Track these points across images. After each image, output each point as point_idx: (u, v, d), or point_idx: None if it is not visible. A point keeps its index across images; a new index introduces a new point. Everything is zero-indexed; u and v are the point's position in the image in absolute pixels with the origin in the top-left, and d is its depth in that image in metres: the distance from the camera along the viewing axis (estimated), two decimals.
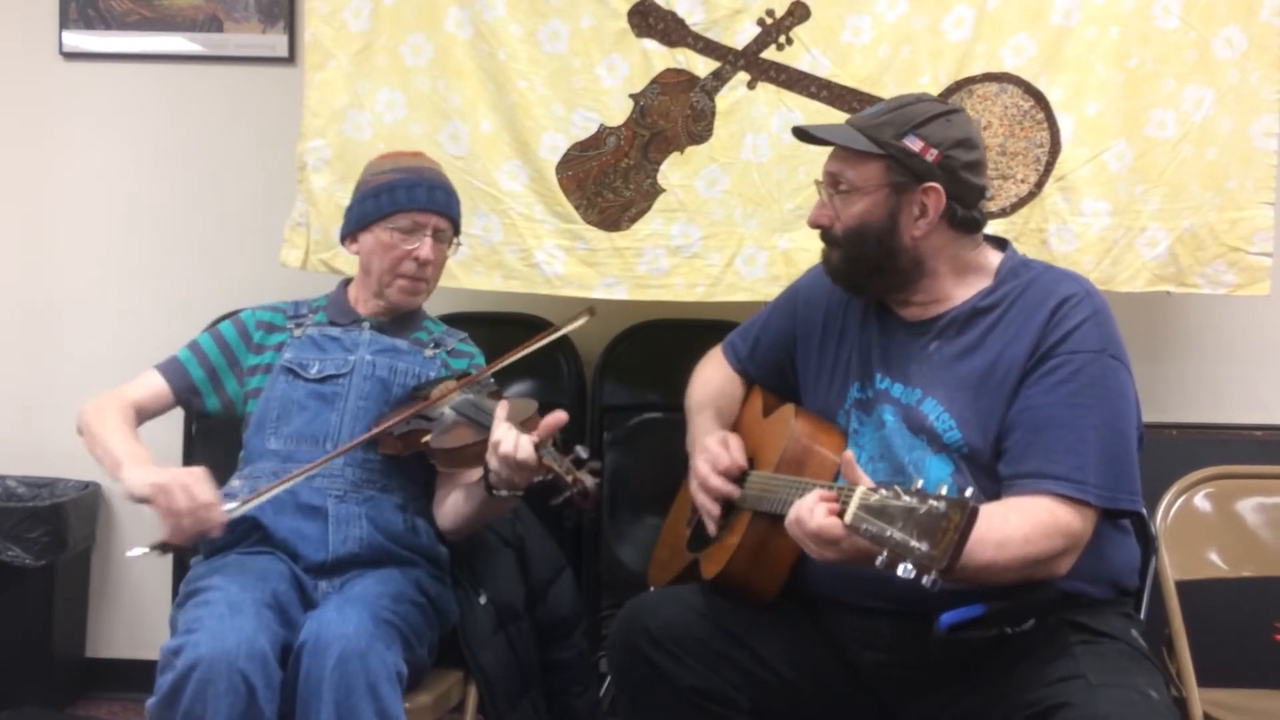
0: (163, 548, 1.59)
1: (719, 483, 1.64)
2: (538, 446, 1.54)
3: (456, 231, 1.94)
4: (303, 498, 1.75)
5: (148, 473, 1.62)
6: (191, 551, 1.79)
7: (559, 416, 1.58)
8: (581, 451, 1.55)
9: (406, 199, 1.85)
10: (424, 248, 1.85)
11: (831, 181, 1.58)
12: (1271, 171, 2.18)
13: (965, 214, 1.54)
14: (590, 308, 1.84)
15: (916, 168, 1.51)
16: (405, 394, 1.86)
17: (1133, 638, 1.47)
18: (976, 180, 1.55)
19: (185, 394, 1.87)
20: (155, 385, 1.86)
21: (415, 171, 1.89)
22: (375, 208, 1.87)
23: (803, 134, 1.62)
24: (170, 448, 2.33)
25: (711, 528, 1.65)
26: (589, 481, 1.52)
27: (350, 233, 1.92)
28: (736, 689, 1.57)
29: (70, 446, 2.63)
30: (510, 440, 1.54)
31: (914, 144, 1.51)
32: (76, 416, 1.77)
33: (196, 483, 1.58)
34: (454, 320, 2.15)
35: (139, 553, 1.59)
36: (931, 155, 1.50)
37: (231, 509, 1.62)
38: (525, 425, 1.58)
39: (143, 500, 1.60)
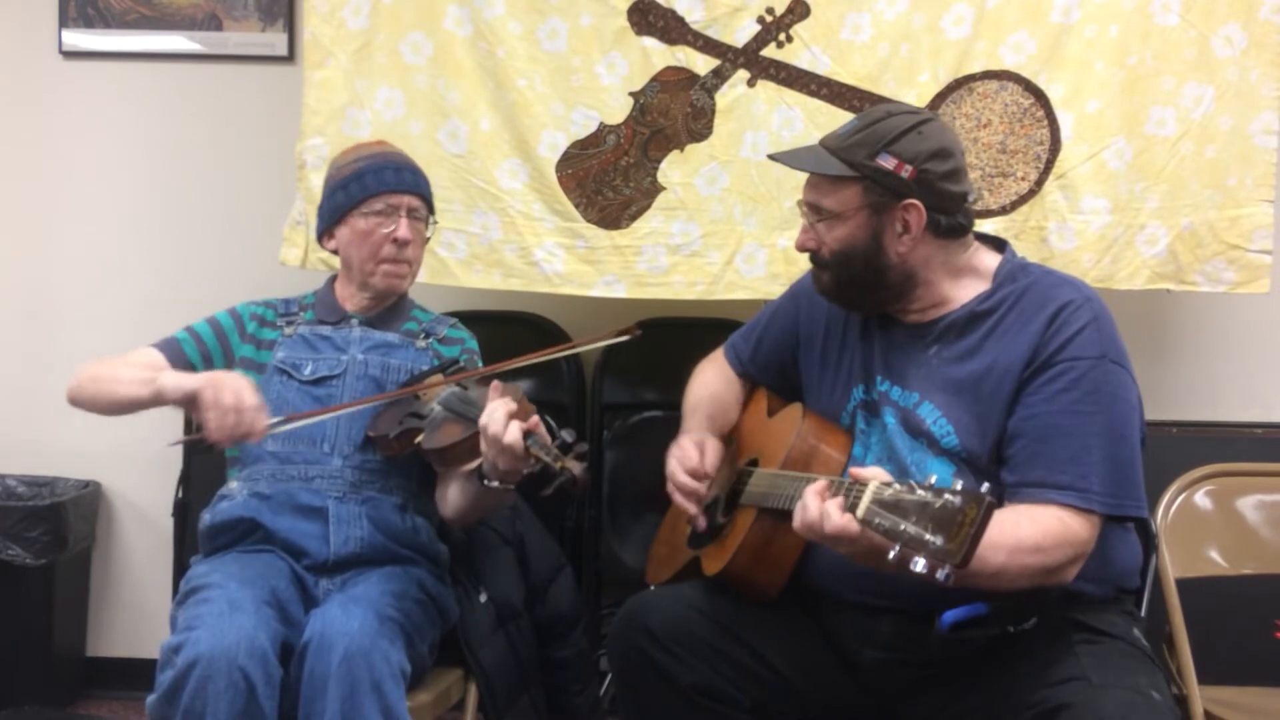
0: (199, 443, 1.59)
1: (684, 479, 1.65)
2: (525, 434, 1.52)
3: (431, 210, 1.93)
4: (302, 499, 1.75)
5: (193, 374, 1.64)
6: (182, 557, 1.77)
7: (533, 422, 1.55)
8: (567, 436, 1.53)
9: (375, 183, 1.85)
10: (401, 228, 1.84)
11: (812, 209, 1.57)
12: (1271, 169, 2.18)
13: (950, 222, 1.53)
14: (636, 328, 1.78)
15: (893, 186, 1.50)
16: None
17: (1134, 637, 1.47)
18: (956, 188, 1.53)
19: (180, 368, 1.81)
20: (151, 356, 1.81)
21: (380, 156, 1.89)
22: (346, 198, 1.86)
23: (778, 160, 1.62)
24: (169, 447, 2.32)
25: (701, 524, 1.65)
26: (577, 469, 1.50)
27: (326, 229, 1.91)
28: (737, 687, 1.57)
29: (70, 445, 2.67)
30: (499, 422, 1.53)
31: (888, 162, 1.49)
32: (71, 381, 1.74)
33: (245, 386, 1.60)
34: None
35: (176, 442, 1.60)
36: (907, 171, 1.49)
37: (275, 421, 1.63)
38: (511, 407, 1.57)
39: (187, 397, 1.61)
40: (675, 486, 1.67)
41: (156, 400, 1.67)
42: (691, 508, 1.66)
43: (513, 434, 1.51)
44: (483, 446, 1.57)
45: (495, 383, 1.63)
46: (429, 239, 1.95)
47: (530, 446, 1.52)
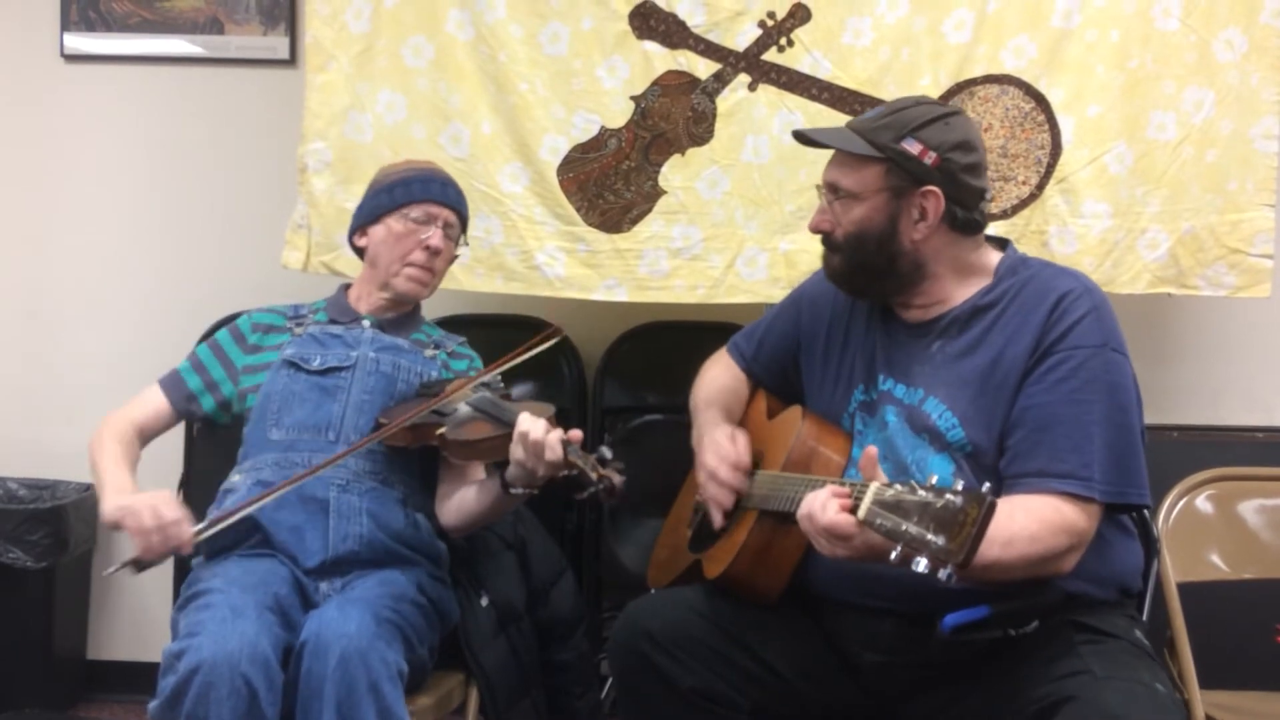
0: (135, 564, 1.63)
1: (729, 474, 1.64)
2: (564, 443, 1.57)
3: (464, 230, 1.98)
4: (305, 489, 1.74)
5: (119, 498, 1.69)
6: (183, 560, 1.81)
7: (575, 434, 1.61)
8: (606, 451, 1.58)
9: (421, 191, 1.91)
10: (435, 237, 1.89)
11: (831, 188, 1.58)
12: (1272, 174, 2.18)
13: (965, 216, 1.54)
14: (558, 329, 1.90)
15: (915, 171, 1.51)
16: (411, 390, 1.87)
17: (1136, 637, 1.47)
18: (976, 182, 1.54)
19: (182, 403, 1.89)
20: (155, 402, 1.89)
21: (429, 171, 1.97)
22: (390, 200, 1.91)
23: (802, 137, 1.63)
24: (172, 444, 2.32)
25: (718, 519, 1.65)
26: (616, 479, 1.55)
27: (360, 226, 1.94)
28: (737, 690, 1.57)
29: (71, 448, 2.64)
30: (540, 430, 1.58)
31: (912, 147, 1.50)
32: (90, 441, 1.82)
33: (163, 503, 1.64)
34: (455, 322, 2.15)
35: (112, 570, 1.65)
36: (930, 158, 1.50)
37: (200, 528, 1.66)
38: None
39: (111, 526, 1.67)
40: (718, 482, 1.65)
41: None
42: (729, 501, 1.64)
43: (554, 443, 1.57)
44: (516, 452, 1.61)
45: (527, 400, 1.69)
46: (455, 258, 1.99)
47: (569, 453, 1.57)
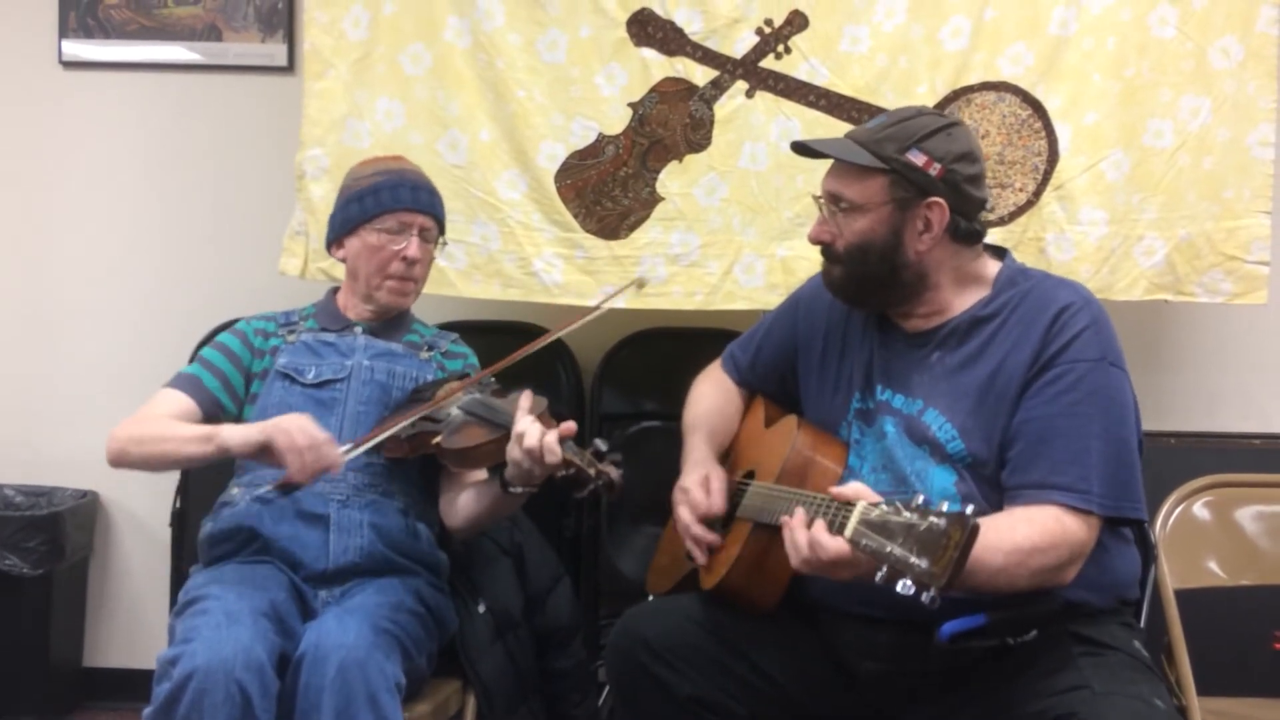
0: (285, 488, 1.61)
1: (700, 531, 1.63)
2: (561, 441, 1.55)
3: (441, 231, 1.95)
4: (305, 505, 1.74)
5: (252, 425, 1.65)
6: (180, 566, 1.79)
7: (569, 426, 1.59)
8: (601, 445, 1.57)
9: (391, 200, 1.86)
10: (411, 247, 1.86)
11: (832, 199, 1.57)
12: (1268, 181, 2.18)
13: (967, 226, 1.54)
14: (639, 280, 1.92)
15: (920, 182, 1.51)
16: (405, 397, 1.86)
17: (1135, 648, 1.47)
18: (978, 193, 1.55)
19: (209, 406, 1.82)
20: (181, 402, 1.80)
21: (397, 173, 1.90)
22: (360, 211, 1.87)
23: (803, 147, 1.62)
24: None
25: (701, 559, 1.65)
26: (614, 474, 1.54)
27: (336, 238, 1.92)
28: (734, 699, 1.57)
29: (68, 454, 2.67)
30: (535, 434, 1.56)
31: (917, 158, 1.50)
32: (109, 444, 1.73)
33: (309, 423, 1.61)
34: (452, 328, 2.14)
35: (265, 489, 1.62)
36: (935, 170, 1.50)
37: (347, 448, 1.64)
38: (539, 420, 1.60)
39: (258, 449, 1.62)
40: (691, 538, 1.64)
41: (219, 456, 1.68)
42: (703, 558, 1.64)
43: (551, 444, 1.55)
44: (514, 452, 1.59)
45: (527, 392, 1.66)
46: (435, 258, 1.96)
47: (566, 451, 1.55)
